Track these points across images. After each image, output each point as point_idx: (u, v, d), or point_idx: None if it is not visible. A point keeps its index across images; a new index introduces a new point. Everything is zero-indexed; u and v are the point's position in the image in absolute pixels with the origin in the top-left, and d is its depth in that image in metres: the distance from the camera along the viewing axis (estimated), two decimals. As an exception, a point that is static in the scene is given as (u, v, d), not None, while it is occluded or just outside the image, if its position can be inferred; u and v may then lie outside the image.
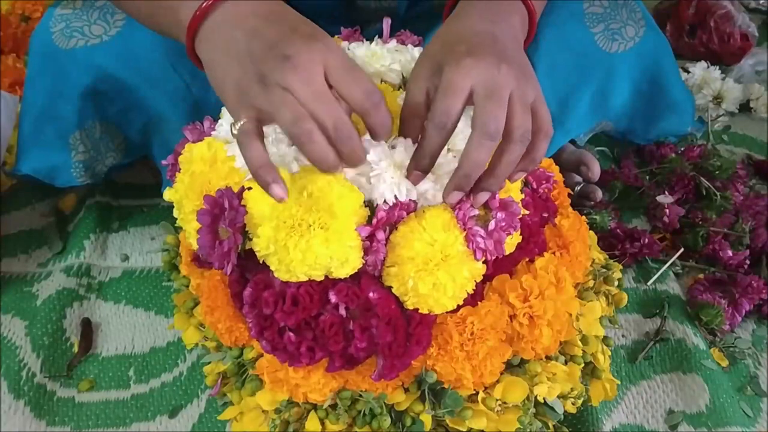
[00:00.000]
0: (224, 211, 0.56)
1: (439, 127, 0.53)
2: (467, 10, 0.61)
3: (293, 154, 0.57)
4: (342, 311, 0.57)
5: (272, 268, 0.55)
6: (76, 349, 0.83)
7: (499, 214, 0.56)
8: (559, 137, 0.91)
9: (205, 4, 0.55)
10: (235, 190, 0.57)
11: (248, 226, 0.56)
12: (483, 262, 0.58)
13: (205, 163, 0.60)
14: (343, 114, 0.51)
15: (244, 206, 0.55)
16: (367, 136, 0.55)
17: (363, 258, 0.56)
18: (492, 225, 0.56)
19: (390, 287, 0.57)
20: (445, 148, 0.57)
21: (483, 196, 0.55)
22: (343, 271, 0.55)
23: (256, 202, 0.55)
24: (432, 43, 0.59)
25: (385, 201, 0.56)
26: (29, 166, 0.87)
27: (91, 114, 0.85)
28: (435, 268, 0.55)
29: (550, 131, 0.57)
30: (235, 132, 0.52)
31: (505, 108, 0.53)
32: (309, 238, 0.53)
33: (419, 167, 0.55)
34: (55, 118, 0.84)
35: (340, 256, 0.54)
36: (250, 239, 0.56)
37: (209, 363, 0.71)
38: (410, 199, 0.57)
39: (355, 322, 0.57)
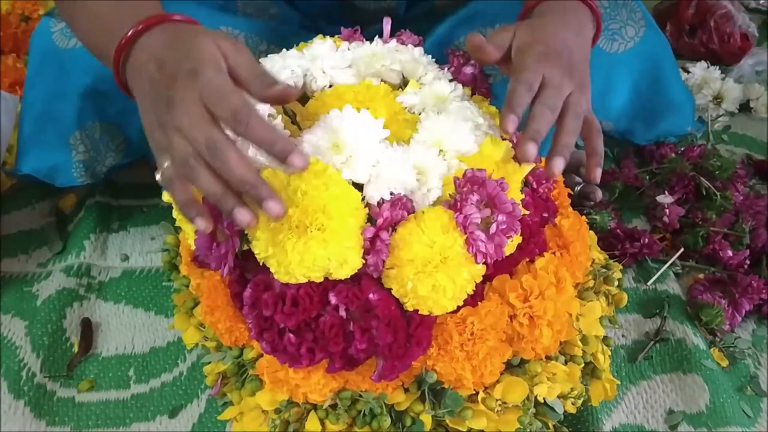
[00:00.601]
0: (222, 213, 0.56)
1: (526, 87, 0.60)
2: (552, 12, 0.67)
3: None
4: (342, 312, 0.57)
5: (272, 270, 0.55)
6: (76, 349, 0.83)
7: (500, 217, 0.56)
8: None
9: (124, 39, 0.57)
10: None
11: (249, 232, 0.56)
12: (483, 263, 0.58)
13: None
14: (215, 132, 0.52)
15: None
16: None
17: (364, 258, 0.56)
18: (493, 228, 0.56)
19: (390, 288, 0.57)
20: (437, 150, 0.59)
21: (559, 162, 0.60)
22: (343, 272, 0.55)
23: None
24: (522, 24, 0.66)
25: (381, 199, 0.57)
26: (29, 166, 0.87)
27: (91, 114, 0.85)
28: (434, 270, 0.55)
29: (600, 130, 0.65)
30: (158, 177, 0.55)
31: (563, 99, 0.61)
32: (306, 239, 0.53)
33: (512, 112, 0.60)
34: (56, 118, 0.84)
35: (338, 257, 0.54)
36: (249, 241, 0.56)
37: (209, 363, 0.71)
38: (407, 198, 0.57)
39: (355, 323, 0.57)
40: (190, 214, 0.54)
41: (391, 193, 0.57)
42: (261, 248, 0.54)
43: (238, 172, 0.51)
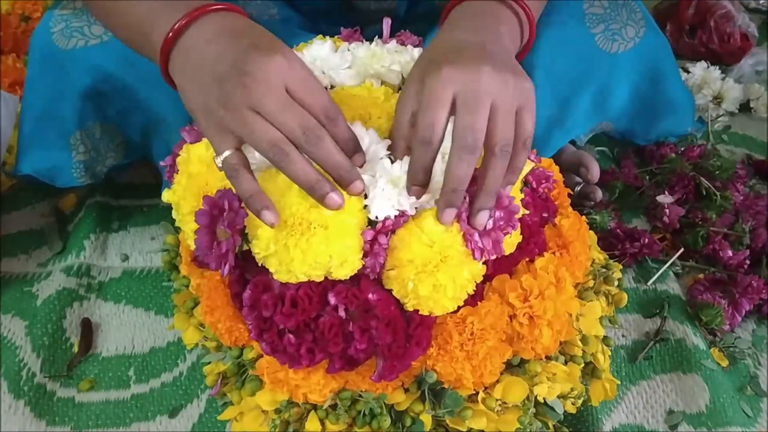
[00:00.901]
0: (223, 212, 0.56)
1: (424, 142, 0.53)
2: (454, 24, 0.62)
3: None
4: (341, 313, 0.57)
5: (271, 269, 0.55)
6: (76, 349, 0.83)
7: (497, 213, 0.56)
8: (559, 137, 0.91)
9: (177, 25, 0.56)
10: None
11: (248, 227, 0.56)
12: (483, 263, 0.58)
13: (203, 164, 0.60)
14: (310, 118, 0.51)
15: (244, 208, 0.55)
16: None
17: (362, 260, 0.56)
18: (490, 224, 0.56)
19: (390, 289, 0.57)
20: (439, 156, 0.57)
21: (483, 216, 0.54)
22: (343, 272, 0.55)
23: None
24: (419, 60, 0.60)
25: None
26: (30, 166, 0.87)
27: (91, 114, 0.85)
28: (434, 270, 0.55)
29: (530, 141, 0.56)
30: (219, 165, 0.53)
31: (485, 117, 0.53)
32: (309, 236, 0.53)
33: (415, 182, 0.55)
34: (56, 118, 0.84)
35: (339, 255, 0.54)
36: (249, 241, 0.56)
37: (209, 363, 0.71)
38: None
39: (354, 323, 0.57)
40: (257, 206, 0.52)
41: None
42: (261, 247, 0.55)
43: (337, 158, 0.52)
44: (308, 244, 0.53)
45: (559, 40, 0.84)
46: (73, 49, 0.80)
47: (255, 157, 0.56)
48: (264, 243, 0.54)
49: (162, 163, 0.70)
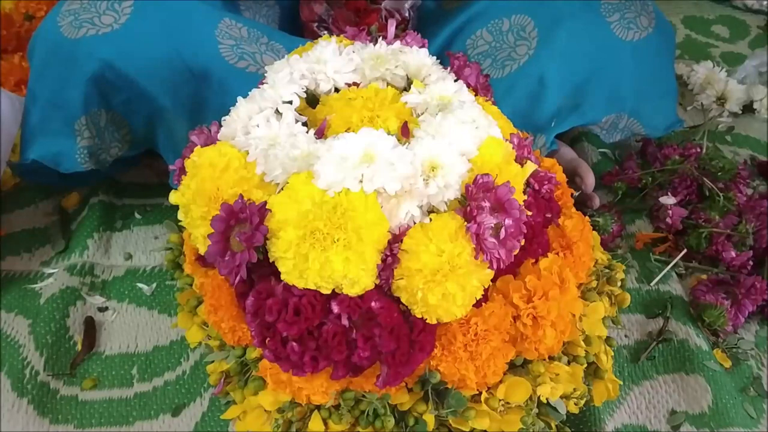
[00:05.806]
0: (239, 220, 0.56)
1: None
2: None
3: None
4: (344, 321, 0.57)
5: (282, 270, 0.55)
6: (79, 347, 0.83)
7: (508, 221, 0.56)
8: (574, 118, 0.92)
9: None
10: (245, 197, 0.57)
11: (270, 228, 0.56)
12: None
13: (215, 170, 0.59)
14: None
15: (266, 226, 0.55)
16: None
17: (378, 275, 0.56)
18: (503, 233, 0.55)
19: (392, 295, 0.57)
20: (432, 173, 0.57)
21: None
22: (352, 291, 0.55)
23: (283, 208, 0.55)
24: None
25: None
26: (35, 152, 0.88)
27: (97, 101, 0.86)
28: (443, 279, 0.55)
29: None
30: None
31: None
32: (330, 254, 0.53)
33: None
34: (62, 106, 0.85)
35: (354, 276, 0.55)
36: (262, 253, 0.56)
37: (212, 362, 0.71)
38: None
39: (358, 331, 0.57)
40: None
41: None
42: (280, 249, 0.54)
43: None
44: (327, 260, 0.53)
45: (576, 26, 0.87)
46: (83, 38, 0.81)
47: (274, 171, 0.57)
48: (283, 246, 0.54)
49: (171, 167, 0.69)
